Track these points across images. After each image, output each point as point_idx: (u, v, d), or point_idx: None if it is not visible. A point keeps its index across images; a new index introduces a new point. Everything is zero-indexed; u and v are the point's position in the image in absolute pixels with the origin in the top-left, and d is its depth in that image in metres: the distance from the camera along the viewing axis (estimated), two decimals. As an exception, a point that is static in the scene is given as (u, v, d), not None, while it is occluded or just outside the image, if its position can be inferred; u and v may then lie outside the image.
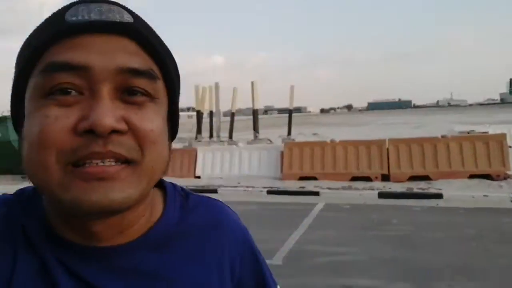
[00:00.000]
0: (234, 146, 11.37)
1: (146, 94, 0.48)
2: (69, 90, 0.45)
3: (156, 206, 0.58)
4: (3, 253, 0.50)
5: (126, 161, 0.46)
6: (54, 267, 0.50)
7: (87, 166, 0.44)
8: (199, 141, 16.31)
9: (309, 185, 8.72)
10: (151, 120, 0.48)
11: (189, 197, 0.63)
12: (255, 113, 16.13)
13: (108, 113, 0.44)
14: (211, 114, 17.88)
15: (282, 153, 9.59)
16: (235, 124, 17.31)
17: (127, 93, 0.47)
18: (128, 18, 0.48)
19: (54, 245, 0.51)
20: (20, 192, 0.57)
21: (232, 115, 17.04)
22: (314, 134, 24.24)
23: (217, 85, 17.23)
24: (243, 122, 32.13)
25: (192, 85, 17.50)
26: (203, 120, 17.61)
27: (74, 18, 0.46)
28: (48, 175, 0.44)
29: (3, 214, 0.53)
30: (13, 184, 10.51)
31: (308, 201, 7.57)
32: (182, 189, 0.64)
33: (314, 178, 9.14)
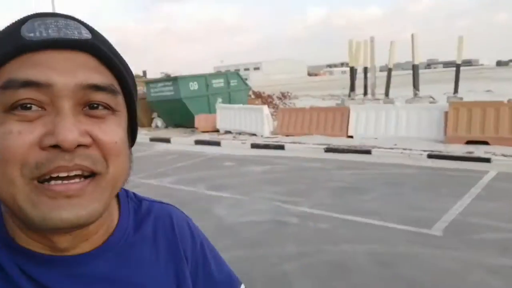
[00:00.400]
0: (391, 104, 10.74)
1: (108, 107, 0.50)
2: (29, 105, 0.46)
3: (113, 212, 0.60)
4: None
5: (92, 173, 0.48)
6: (18, 277, 0.51)
7: (52, 183, 0.46)
8: (353, 99, 15.90)
9: (479, 151, 7.74)
10: (115, 132, 0.50)
11: (141, 203, 0.66)
12: (415, 69, 14.83)
13: (73, 129, 0.45)
14: (365, 70, 17.12)
15: (446, 114, 8.67)
16: (392, 80, 16.26)
17: (88, 107, 0.48)
18: (86, 34, 0.49)
19: (16, 255, 0.52)
20: None
21: (389, 71, 15.99)
22: (487, 91, 21.16)
23: (372, 39, 16.28)
24: (401, 78, 29.95)
25: (345, 40, 16.92)
26: (357, 76, 17.01)
27: (31, 35, 0.46)
28: (15, 189, 0.45)
29: None
30: (184, 136, 12.06)
31: (477, 168, 6.75)
32: (134, 195, 0.67)
33: (485, 143, 8.06)
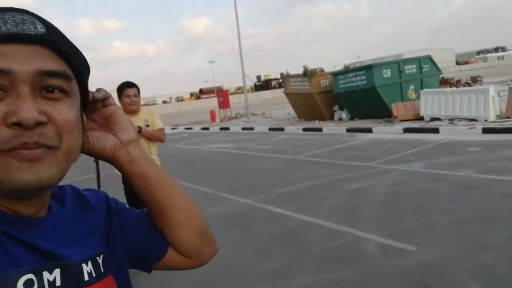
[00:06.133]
0: None
1: (62, 91, 0.59)
2: None
3: None
4: None
5: (48, 147, 0.56)
6: (6, 240, 0.57)
7: (18, 151, 0.54)
8: None
9: None
10: (68, 112, 0.59)
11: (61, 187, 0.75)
12: None
13: (32, 109, 0.54)
14: None
15: None
16: None
17: (45, 91, 0.57)
18: (41, 29, 0.57)
19: None
20: None
21: None
22: None
23: None
24: None
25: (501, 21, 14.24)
26: None
27: None
28: None
29: None
30: (383, 125, 11.39)
31: None
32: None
33: None
